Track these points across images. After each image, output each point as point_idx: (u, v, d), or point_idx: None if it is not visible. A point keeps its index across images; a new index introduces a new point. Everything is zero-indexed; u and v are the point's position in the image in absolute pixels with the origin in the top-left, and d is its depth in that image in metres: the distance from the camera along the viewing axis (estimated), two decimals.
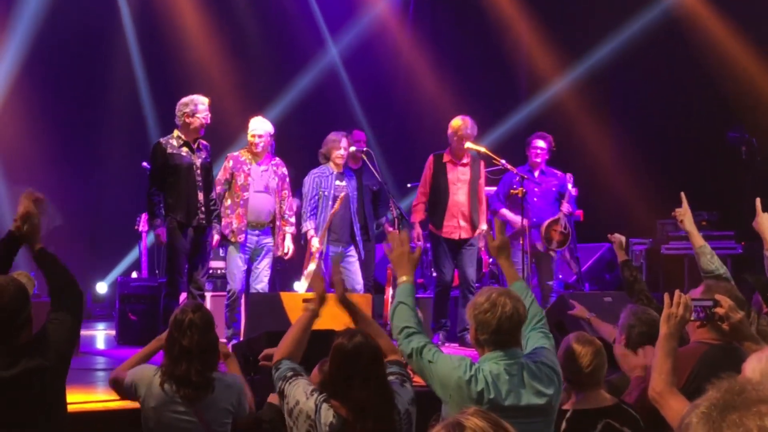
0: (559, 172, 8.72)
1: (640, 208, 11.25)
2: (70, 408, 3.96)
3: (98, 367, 7.22)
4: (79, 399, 5.07)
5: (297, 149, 8.18)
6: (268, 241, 7.75)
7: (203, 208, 7.30)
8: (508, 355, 3.51)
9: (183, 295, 7.28)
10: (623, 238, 5.77)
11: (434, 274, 8.67)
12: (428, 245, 8.62)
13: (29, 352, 3.48)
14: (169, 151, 7.27)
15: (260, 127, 7.79)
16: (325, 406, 3.30)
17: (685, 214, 5.05)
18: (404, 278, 3.80)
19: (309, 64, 11.98)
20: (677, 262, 10.18)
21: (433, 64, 12.39)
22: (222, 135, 10.88)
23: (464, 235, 8.25)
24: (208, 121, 7.41)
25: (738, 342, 3.69)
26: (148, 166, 9.38)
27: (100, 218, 11.28)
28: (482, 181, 8.43)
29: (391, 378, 3.45)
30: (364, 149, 8.24)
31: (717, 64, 11.14)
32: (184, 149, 7.31)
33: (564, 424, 3.71)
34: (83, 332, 7.65)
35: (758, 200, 5.11)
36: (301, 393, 3.37)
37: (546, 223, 8.46)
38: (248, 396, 4.18)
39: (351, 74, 12.33)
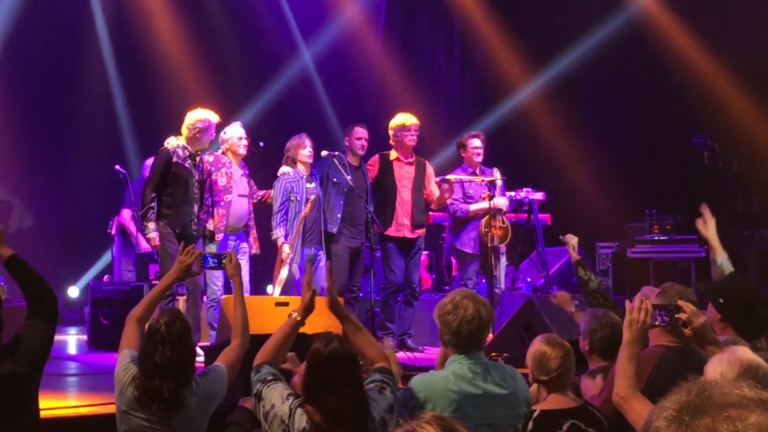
0: (490, 168, 8.57)
1: (607, 212, 11.41)
2: (42, 414, 3.87)
3: (69, 373, 7.17)
4: (51, 405, 5.00)
5: (269, 153, 8.18)
6: (244, 246, 7.78)
7: (196, 220, 7.46)
8: (471, 358, 3.66)
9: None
10: (576, 239, 5.78)
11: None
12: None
13: (2, 359, 3.46)
14: (174, 159, 7.34)
15: (243, 132, 7.84)
16: (299, 411, 3.29)
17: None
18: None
19: (282, 69, 12.02)
20: (643, 265, 10.33)
21: (404, 69, 12.48)
22: None
23: (408, 235, 8.19)
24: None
25: (700, 346, 3.79)
26: (123, 170, 9.42)
27: (72, 222, 11.24)
28: (429, 179, 8.35)
29: (370, 386, 3.45)
30: (336, 153, 8.10)
31: (680, 71, 11.34)
32: (188, 161, 7.42)
33: (531, 425, 3.80)
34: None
35: (705, 205, 5.26)
36: (277, 397, 3.37)
37: (482, 222, 8.26)
38: (227, 361, 4.08)
39: (323, 78, 12.38)
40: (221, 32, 11.94)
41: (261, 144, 8.06)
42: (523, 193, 9.13)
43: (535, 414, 3.83)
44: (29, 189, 11.04)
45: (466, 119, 12.46)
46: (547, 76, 12.15)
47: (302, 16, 12.27)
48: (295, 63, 12.16)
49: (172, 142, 7.47)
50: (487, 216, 8.18)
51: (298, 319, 3.77)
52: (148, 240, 7.34)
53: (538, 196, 9.23)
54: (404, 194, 8.22)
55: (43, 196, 11.29)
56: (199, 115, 7.49)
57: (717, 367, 3.10)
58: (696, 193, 10.59)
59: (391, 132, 8.31)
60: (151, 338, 3.78)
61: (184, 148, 7.42)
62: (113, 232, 9.45)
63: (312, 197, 7.70)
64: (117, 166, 9.44)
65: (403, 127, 8.22)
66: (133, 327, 4.08)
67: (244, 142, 7.81)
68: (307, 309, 3.80)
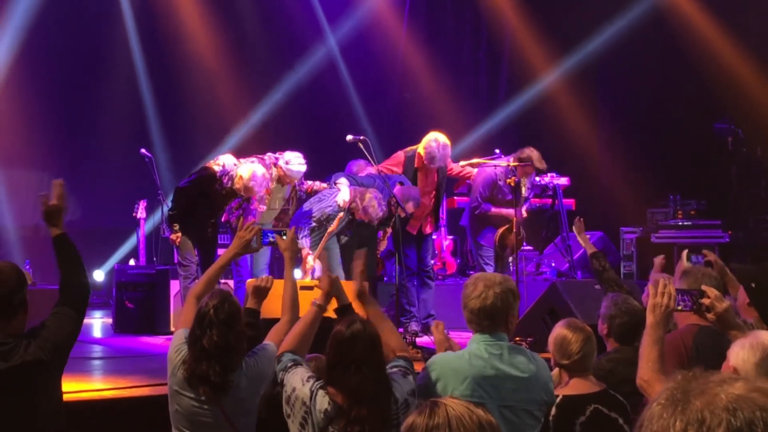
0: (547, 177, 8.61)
1: (631, 197, 11.38)
2: (66, 397, 3.93)
3: (94, 356, 7.23)
4: (75, 388, 5.04)
5: (293, 139, 8.21)
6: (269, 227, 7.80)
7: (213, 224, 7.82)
8: (490, 338, 3.65)
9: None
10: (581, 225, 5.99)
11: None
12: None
13: (27, 345, 3.47)
14: (217, 187, 7.59)
15: (302, 171, 7.86)
16: (320, 392, 3.33)
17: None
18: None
19: (307, 55, 12.02)
20: (667, 250, 10.27)
21: (428, 55, 12.44)
22: (218, 125, 10.93)
23: (425, 232, 8.25)
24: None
25: (724, 330, 3.78)
26: (149, 154, 9.43)
27: (98, 205, 11.30)
28: (451, 167, 8.43)
29: (393, 369, 3.49)
30: (361, 137, 7.86)
31: (704, 56, 11.27)
32: (227, 192, 7.66)
33: (554, 410, 3.81)
34: None
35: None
36: (297, 380, 3.41)
37: (500, 232, 8.28)
38: (277, 339, 4.01)
39: (348, 65, 12.36)
40: (246, 17, 11.96)
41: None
42: (548, 178, 9.10)
43: (558, 399, 3.83)
44: (55, 173, 11.11)
45: (491, 105, 12.42)
46: (571, 62, 12.10)
47: (327, 2, 12.25)
48: (320, 49, 12.14)
49: (227, 162, 7.63)
50: (505, 227, 8.19)
51: (319, 304, 3.80)
52: (172, 240, 7.64)
53: (563, 181, 9.21)
54: (425, 199, 8.11)
55: (69, 178, 11.28)
56: (245, 173, 7.49)
57: (739, 352, 3.08)
58: (719, 179, 10.58)
59: (422, 152, 8.06)
60: (199, 322, 3.76)
61: (230, 179, 7.52)
62: (139, 215, 9.45)
63: (341, 214, 7.55)
64: (142, 150, 9.47)
65: (432, 160, 8.04)
66: (193, 304, 4.02)
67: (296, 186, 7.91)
68: (329, 295, 3.82)
